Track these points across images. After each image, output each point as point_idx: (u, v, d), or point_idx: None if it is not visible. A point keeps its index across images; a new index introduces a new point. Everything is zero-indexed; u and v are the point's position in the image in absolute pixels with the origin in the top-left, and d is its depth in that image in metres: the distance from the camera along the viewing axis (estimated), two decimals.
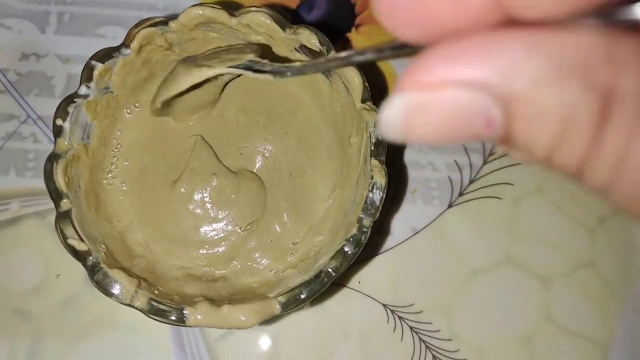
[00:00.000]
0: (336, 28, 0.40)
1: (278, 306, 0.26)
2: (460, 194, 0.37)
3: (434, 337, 0.35)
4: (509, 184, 0.37)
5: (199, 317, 0.26)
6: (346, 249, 0.27)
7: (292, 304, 0.26)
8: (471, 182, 0.37)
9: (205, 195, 0.34)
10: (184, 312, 0.27)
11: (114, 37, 0.40)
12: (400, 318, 0.35)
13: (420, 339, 0.35)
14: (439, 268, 0.36)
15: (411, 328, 0.35)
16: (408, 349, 0.35)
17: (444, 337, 0.35)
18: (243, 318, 0.26)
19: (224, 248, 0.33)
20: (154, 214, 0.34)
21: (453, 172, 0.38)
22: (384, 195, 0.28)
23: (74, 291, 0.35)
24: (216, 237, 0.34)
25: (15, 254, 0.36)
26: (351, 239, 0.27)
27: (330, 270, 0.27)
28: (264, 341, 0.35)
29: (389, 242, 0.36)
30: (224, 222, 0.34)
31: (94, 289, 0.35)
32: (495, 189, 0.37)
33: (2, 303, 0.35)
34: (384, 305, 0.35)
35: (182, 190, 0.34)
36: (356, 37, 0.40)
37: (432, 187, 0.37)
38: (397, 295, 0.35)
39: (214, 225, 0.34)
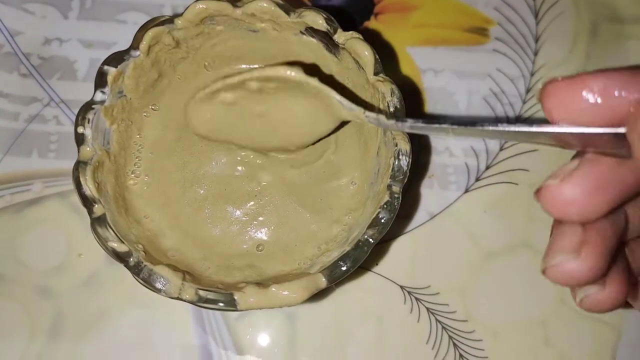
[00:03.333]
0: (354, 16, 0.41)
1: (324, 279, 0.27)
2: (477, 179, 0.38)
3: (450, 319, 0.35)
4: (525, 169, 0.38)
5: (251, 299, 0.27)
6: (381, 216, 0.28)
7: (336, 276, 0.27)
8: (487, 167, 0.38)
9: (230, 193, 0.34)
10: (234, 297, 0.27)
11: (135, 22, 0.40)
12: (417, 299, 0.35)
13: (436, 320, 0.35)
14: (455, 251, 0.36)
15: (428, 309, 0.35)
16: (425, 330, 0.35)
17: (460, 318, 0.35)
18: (294, 295, 0.26)
19: (246, 246, 0.33)
20: (178, 212, 0.34)
21: (470, 158, 0.38)
22: (410, 160, 0.28)
23: (95, 270, 0.36)
24: (239, 232, 0.34)
25: (38, 233, 0.36)
26: (385, 206, 0.28)
27: (368, 238, 0.27)
28: (283, 321, 0.35)
29: (406, 225, 0.37)
30: (248, 216, 0.34)
31: (115, 267, 0.35)
32: (511, 175, 0.38)
33: (24, 281, 0.35)
34: (401, 287, 0.36)
35: (202, 191, 0.34)
36: (375, 26, 0.40)
37: (449, 172, 0.38)
38: (414, 278, 0.36)
39: (237, 222, 0.34)
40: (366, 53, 0.30)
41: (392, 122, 0.25)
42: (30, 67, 0.39)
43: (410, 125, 0.24)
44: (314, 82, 0.27)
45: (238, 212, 0.34)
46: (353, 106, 0.27)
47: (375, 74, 0.30)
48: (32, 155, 0.38)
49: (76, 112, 0.38)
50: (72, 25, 0.40)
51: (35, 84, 0.39)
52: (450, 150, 0.38)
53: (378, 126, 0.27)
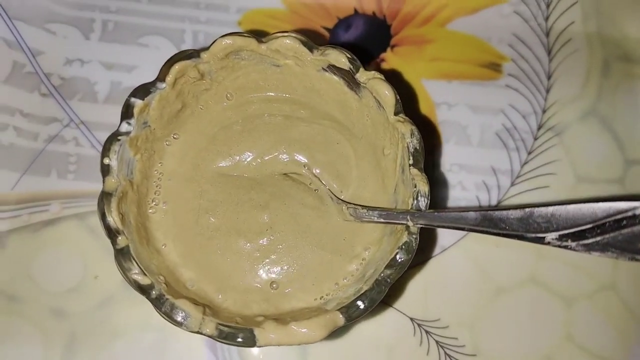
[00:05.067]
0: (372, 47, 0.42)
1: (341, 317, 0.27)
2: None
3: (459, 352, 0.36)
4: None
5: (271, 336, 0.27)
6: (399, 256, 0.28)
7: (354, 316, 0.27)
8: (499, 202, 0.39)
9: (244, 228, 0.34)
10: (254, 332, 0.27)
11: (157, 47, 0.41)
12: (426, 332, 0.36)
13: (445, 353, 0.36)
14: (465, 285, 0.37)
15: (437, 342, 0.36)
16: None
17: (469, 352, 0.36)
18: (313, 333, 0.27)
19: (259, 284, 0.33)
20: (191, 241, 0.34)
21: (481, 192, 0.39)
22: (429, 201, 0.29)
23: (111, 293, 0.36)
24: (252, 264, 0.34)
25: (54, 254, 0.37)
26: (403, 247, 0.28)
27: (386, 278, 0.28)
28: (294, 350, 0.36)
29: (418, 258, 0.37)
30: (260, 251, 0.34)
31: (131, 291, 0.35)
32: None
33: (39, 302, 0.36)
34: (412, 319, 0.36)
35: (213, 220, 0.34)
36: (391, 57, 0.41)
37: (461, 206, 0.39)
38: (424, 310, 0.36)
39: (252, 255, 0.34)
40: (387, 93, 0.31)
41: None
42: (50, 87, 0.40)
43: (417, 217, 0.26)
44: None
45: (249, 246, 0.33)
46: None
47: (396, 113, 0.31)
48: (51, 176, 0.38)
49: (96, 134, 0.39)
50: (94, 47, 0.41)
51: (56, 104, 0.40)
52: (462, 184, 0.39)
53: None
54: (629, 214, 0.23)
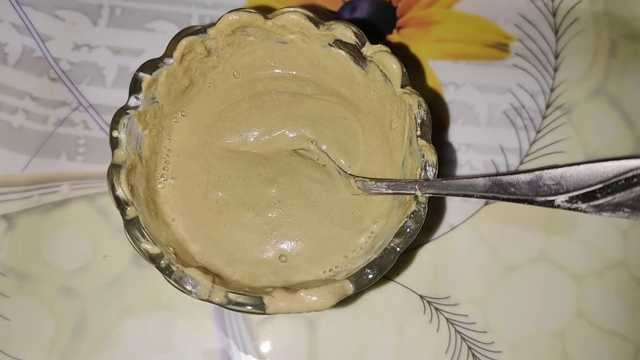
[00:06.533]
0: (377, 30, 0.42)
1: (351, 285, 0.27)
2: None
3: (470, 329, 0.36)
4: None
5: (280, 304, 0.27)
6: (407, 224, 0.28)
7: (363, 283, 0.27)
8: None
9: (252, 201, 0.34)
10: (264, 301, 0.27)
11: (164, 31, 0.41)
12: (436, 310, 0.36)
13: (456, 330, 0.36)
14: (474, 263, 0.37)
15: (447, 320, 0.36)
16: (444, 340, 0.35)
17: (479, 329, 0.36)
18: (323, 300, 0.27)
19: (268, 256, 0.33)
20: (199, 215, 0.34)
21: (490, 171, 0.39)
22: (437, 171, 0.29)
23: (120, 272, 0.36)
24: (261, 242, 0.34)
25: (65, 234, 0.37)
26: (412, 215, 0.28)
27: (395, 247, 0.28)
28: (304, 327, 0.36)
29: (427, 236, 0.37)
30: (269, 224, 0.34)
31: (140, 269, 0.36)
32: None
33: (50, 281, 0.36)
34: (421, 297, 0.36)
35: (221, 194, 0.34)
36: (397, 39, 0.41)
37: None
38: (434, 288, 0.36)
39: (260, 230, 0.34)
40: (394, 66, 0.31)
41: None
42: (59, 71, 0.40)
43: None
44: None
45: (257, 219, 0.33)
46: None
47: (402, 86, 0.31)
48: (61, 158, 0.38)
49: (104, 117, 0.39)
50: (102, 32, 0.41)
51: (65, 88, 0.40)
52: (471, 163, 0.39)
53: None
54: None
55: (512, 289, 0.36)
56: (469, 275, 0.37)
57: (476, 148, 0.39)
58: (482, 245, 0.37)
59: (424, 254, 0.37)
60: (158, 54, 0.33)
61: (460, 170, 0.39)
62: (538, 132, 0.40)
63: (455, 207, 0.38)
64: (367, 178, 0.32)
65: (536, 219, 0.37)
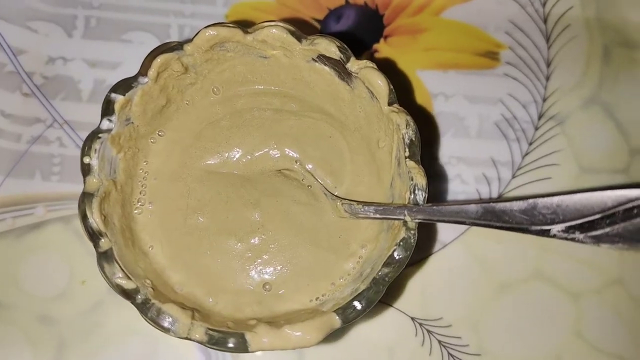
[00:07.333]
0: (364, 38, 0.40)
1: (337, 318, 0.26)
2: None
3: (463, 352, 0.34)
4: None
5: (263, 340, 0.25)
6: (397, 254, 0.27)
7: (351, 317, 0.26)
8: (500, 195, 0.37)
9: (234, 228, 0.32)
10: (245, 337, 0.26)
11: (141, 42, 0.40)
12: (428, 332, 0.35)
13: (449, 353, 0.34)
14: (467, 282, 0.36)
15: (440, 342, 0.35)
16: None
17: (473, 352, 0.34)
18: (308, 336, 0.25)
19: (252, 286, 0.31)
20: (179, 242, 0.32)
21: (481, 185, 0.37)
22: (427, 195, 0.28)
23: (99, 298, 0.35)
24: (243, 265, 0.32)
25: (40, 259, 0.35)
26: (401, 243, 0.27)
27: (384, 277, 0.26)
28: (290, 354, 0.34)
29: (417, 255, 0.36)
30: (252, 251, 0.32)
31: (119, 295, 0.34)
32: None
33: (26, 308, 0.35)
34: (413, 319, 0.35)
35: (202, 220, 0.32)
36: (384, 48, 0.40)
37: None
38: (425, 309, 0.35)
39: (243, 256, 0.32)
40: (380, 83, 0.29)
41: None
42: (33, 86, 0.39)
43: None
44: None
45: (240, 246, 0.32)
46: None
47: (390, 103, 0.30)
48: (35, 178, 0.37)
49: (80, 134, 0.38)
50: (77, 44, 0.39)
51: (38, 104, 0.38)
52: (461, 177, 0.38)
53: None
54: None
55: (507, 308, 0.35)
56: (461, 295, 0.35)
57: (467, 161, 0.38)
58: (474, 264, 0.36)
59: (414, 274, 0.36)
60: (136, 65, 0.31)
61: (451, 185, 0.38)
62: (530, 143, 0.38)
63: (447, 224, 0.37)
64: (355, 201, 0.31)
65: (531, 236, 0.36)
